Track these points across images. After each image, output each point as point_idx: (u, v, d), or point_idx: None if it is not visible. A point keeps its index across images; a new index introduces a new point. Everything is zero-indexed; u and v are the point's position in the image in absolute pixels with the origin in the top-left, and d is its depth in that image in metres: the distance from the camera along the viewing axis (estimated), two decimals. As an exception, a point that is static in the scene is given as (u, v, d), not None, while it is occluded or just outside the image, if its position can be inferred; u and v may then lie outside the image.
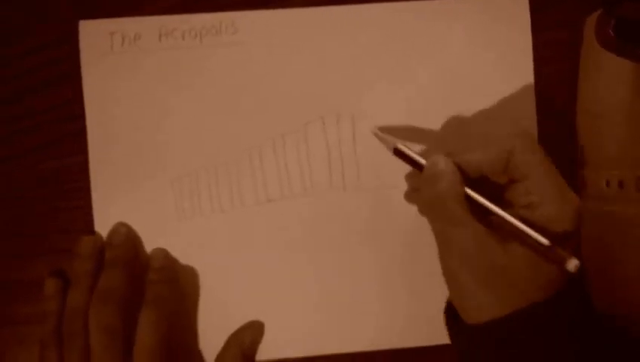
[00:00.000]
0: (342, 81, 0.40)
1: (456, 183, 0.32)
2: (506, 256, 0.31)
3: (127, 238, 0.39)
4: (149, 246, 0.40)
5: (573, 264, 0.30)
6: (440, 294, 0.35)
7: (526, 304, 0.31)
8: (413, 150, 0.35)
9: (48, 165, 0.40)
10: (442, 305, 0.36)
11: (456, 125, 0.40)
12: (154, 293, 0.38)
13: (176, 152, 0.40)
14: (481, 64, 0.40)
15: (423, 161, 0.34)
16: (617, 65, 0.35)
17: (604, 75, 0.36)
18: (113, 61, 0.40)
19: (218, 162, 0.40)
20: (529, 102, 0.40)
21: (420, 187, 0.34)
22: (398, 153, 0.35)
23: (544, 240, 0.31)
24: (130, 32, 0.39)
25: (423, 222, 0.39)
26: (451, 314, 0.35)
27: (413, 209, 0.39)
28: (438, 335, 0.39)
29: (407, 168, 0.37)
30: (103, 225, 0.39)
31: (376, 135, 0.37)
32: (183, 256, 0.40)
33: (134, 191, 0.40)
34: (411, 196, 0.39)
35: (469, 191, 0.33)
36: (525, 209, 0.32)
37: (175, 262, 0.40)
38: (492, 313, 0.31)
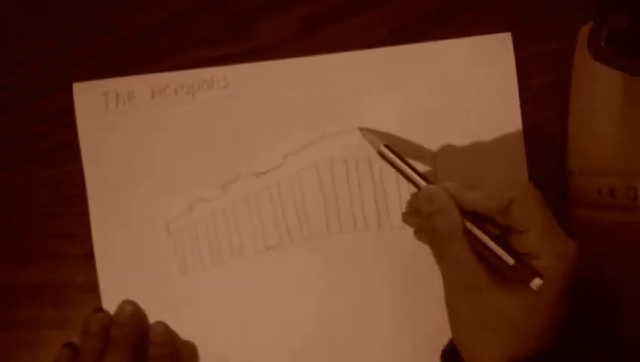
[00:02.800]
0: (335, 128, 0.40)
1: (455, 222, 0.32)
2: (504, 299, 0.30)
3: (132, 317, 0.40)
4: (151, 300, 0.40)
5: (535, 282, 0.30)
6: (442, 338, 0.34)
7: (525, 352, 0.30)
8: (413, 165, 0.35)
9: (48, 173, 0.41)
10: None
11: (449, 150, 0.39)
12: None
13: (174, 208, 0.40)
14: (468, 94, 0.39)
15: (420, 182, 0.34)
16: (609, 76, 0.35)
17: (595, 85, 0.36)
18: (109, 121, 0.40)
19: (216, 212, 0.40)
20: (514, 113, 0.39)
21: (419, 216, 0.34)
22: (383, 156, 0.35)
23: (510, 260, 0.31)
24: (124, 91, 0.40)
25: (425, 261, 0.37)
26: (450, 357, 0.34)
27: (414, 247, 0.37)
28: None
29: (401, 204, 0.36)
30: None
31: (363, 134, 0.37)
32: (184, 309, 0.40)
33: (135, 249, 0.40)
34: (409, 219, 0.37)
35: (467, 223, 0.32)
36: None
37: (175, 336, 0.40)
38: (492, 357, 0.31)
